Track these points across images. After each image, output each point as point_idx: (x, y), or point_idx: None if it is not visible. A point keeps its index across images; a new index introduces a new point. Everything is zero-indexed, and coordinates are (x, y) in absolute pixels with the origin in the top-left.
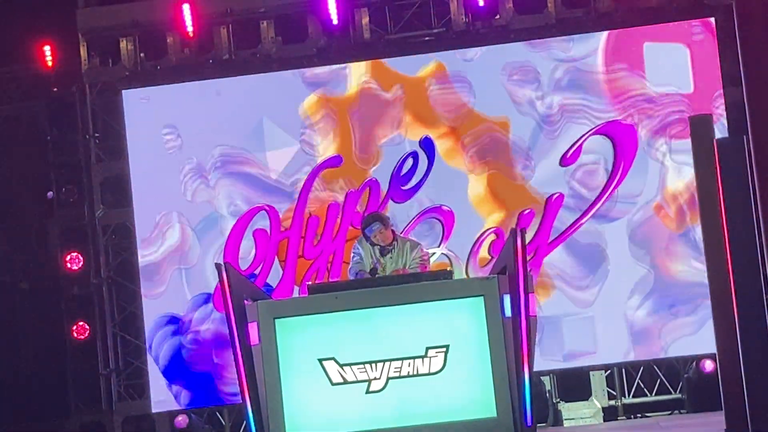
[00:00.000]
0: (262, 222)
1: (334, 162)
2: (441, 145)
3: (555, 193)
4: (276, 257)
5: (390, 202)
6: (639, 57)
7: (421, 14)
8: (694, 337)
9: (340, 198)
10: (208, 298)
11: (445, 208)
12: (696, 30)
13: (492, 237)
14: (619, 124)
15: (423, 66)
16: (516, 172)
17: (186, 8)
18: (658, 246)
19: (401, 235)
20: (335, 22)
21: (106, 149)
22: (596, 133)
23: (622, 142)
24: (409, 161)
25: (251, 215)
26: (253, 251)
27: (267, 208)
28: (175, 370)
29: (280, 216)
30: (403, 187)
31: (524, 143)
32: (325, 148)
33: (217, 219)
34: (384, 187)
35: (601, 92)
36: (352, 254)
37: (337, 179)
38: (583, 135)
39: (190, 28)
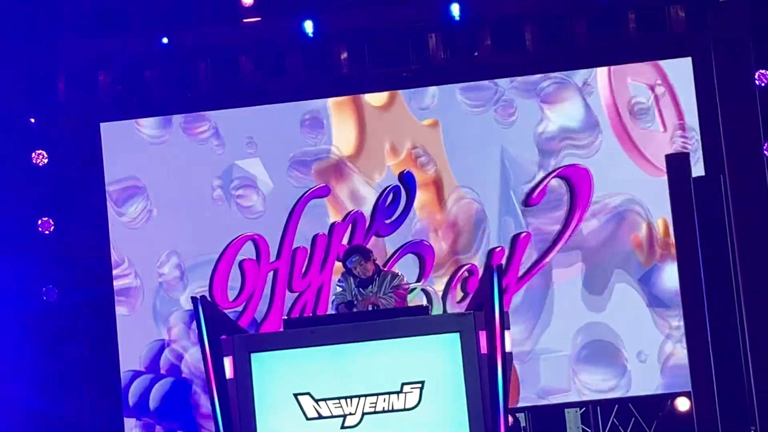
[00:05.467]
0: (249, 253)
1: (321, 192)
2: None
3: (522, 232)
4: (264, 290)
5: (373, 236)
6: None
7: (400, 50)
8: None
9: (326, 230)
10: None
11: (425, 243)
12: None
13: (466, 274)
14: (576, 168)
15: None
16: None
17: (165, 42)
18: None
19: (385, 268)
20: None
21: (83, 183)
22: (557, 175)
23: (579, 185)
24: (391, 195)
25: (239, 245)
26: (240, 283)
27: (256, 237)
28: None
29: (269, 246)
30: (386, 221)
31: None
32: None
33: None
34: (368, 221)
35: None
36: (336, 286)
37: (325, 210)
38: (547, 176)
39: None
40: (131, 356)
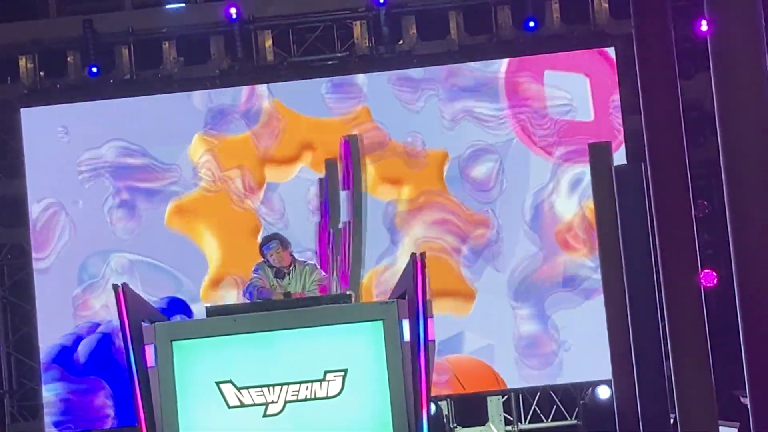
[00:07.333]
0: None
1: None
2: None
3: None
4: None
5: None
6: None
7: (325, 38)
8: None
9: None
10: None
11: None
12: (595, 59)
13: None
14: None
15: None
16: None
17: (87, 27)
18: None
19: (303, 260)
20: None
21: (3, 168)
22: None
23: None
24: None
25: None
26: None
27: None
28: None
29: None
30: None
31: None
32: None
33: None
34: None
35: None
36: (252, 273)
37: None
38: None
39: (91, 47)
40: None
